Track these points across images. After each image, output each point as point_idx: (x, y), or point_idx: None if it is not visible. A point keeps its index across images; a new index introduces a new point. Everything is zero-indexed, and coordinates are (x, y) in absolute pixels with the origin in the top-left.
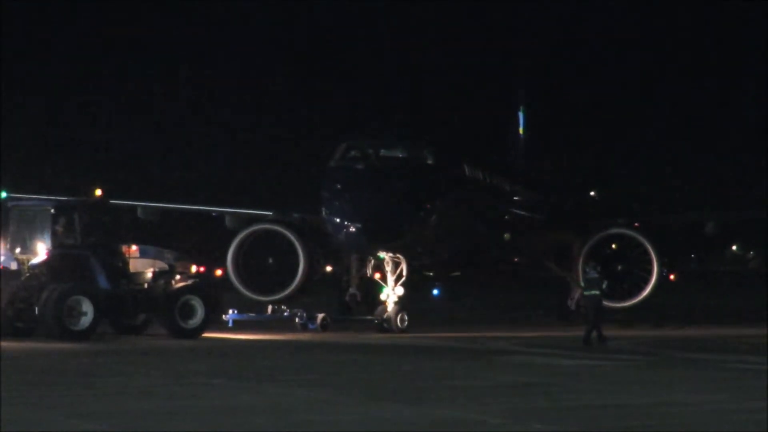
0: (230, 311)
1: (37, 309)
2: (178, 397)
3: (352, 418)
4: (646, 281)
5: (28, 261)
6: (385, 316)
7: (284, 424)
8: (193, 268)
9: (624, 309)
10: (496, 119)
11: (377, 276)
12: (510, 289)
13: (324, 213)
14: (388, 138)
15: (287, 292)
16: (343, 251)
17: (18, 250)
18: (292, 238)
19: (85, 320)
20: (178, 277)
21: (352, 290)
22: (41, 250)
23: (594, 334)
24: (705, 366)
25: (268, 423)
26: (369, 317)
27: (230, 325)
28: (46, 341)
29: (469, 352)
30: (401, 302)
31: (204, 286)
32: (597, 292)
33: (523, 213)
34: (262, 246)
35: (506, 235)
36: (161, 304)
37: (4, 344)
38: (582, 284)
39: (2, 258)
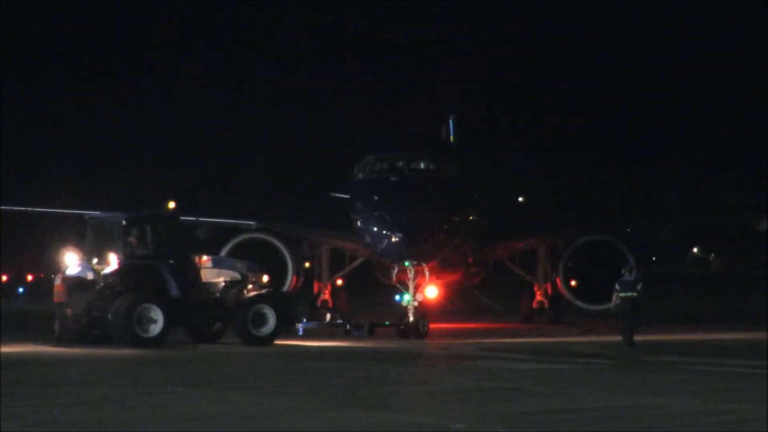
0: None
1: (110, 317)
2: (139, 406)
3: (314, 425)
4: None
5: (102, 271)
6: (405, 321)
7: (246, 431)
8: (265, 278)
9: (597, 312)
10: (429, 127)
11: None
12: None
13: (358, 223)
14: (415, 150)
15: None
16: (381, 260)
17: (95, 260)
18: (281, 246)
19: (155, 328)
20: (250, 286)
21: (324, 297)
22: (113, 261)
23: (625, 336)
24: (670, 368)
25: (229, 430)
26: (388, 323)
27: (300, 333)
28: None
29: (435, 358)
30: (421, 309)
31: (275, 295)
32: (633, 294)
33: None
34: (250, 254)
35: (485, 241)
36: (233, 313)
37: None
38: (617, 288)
39: (80, 269)
